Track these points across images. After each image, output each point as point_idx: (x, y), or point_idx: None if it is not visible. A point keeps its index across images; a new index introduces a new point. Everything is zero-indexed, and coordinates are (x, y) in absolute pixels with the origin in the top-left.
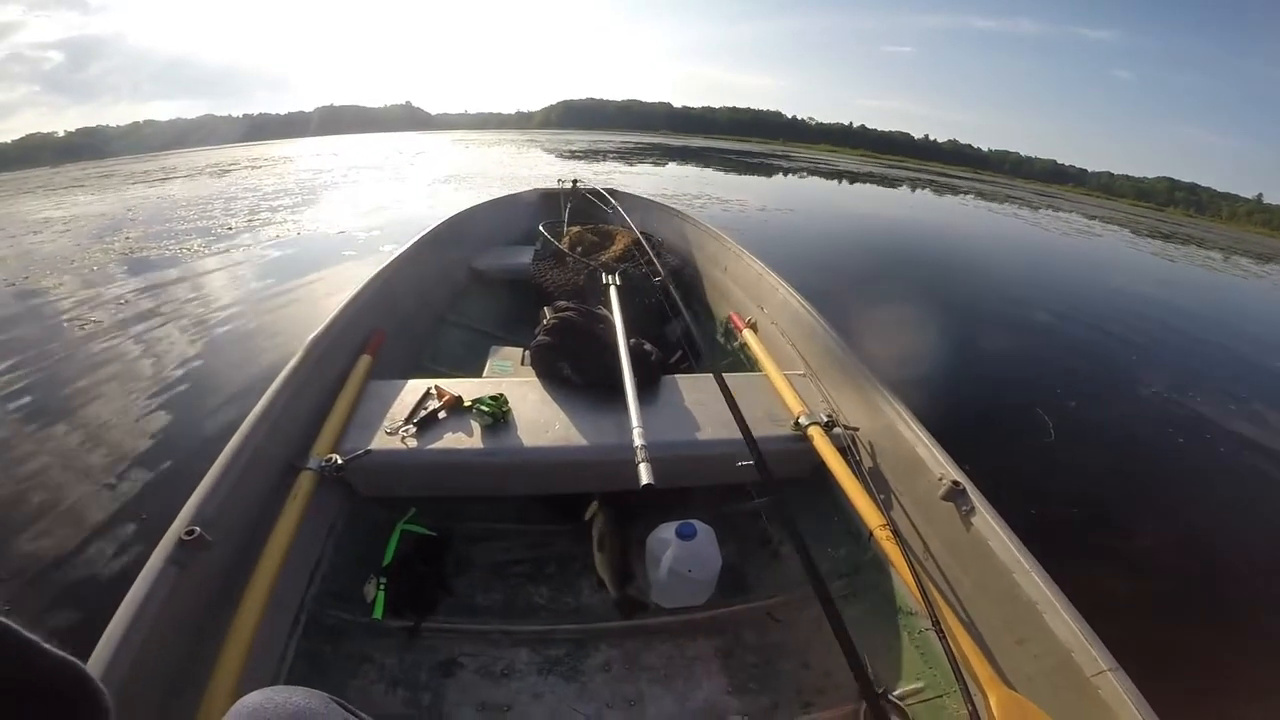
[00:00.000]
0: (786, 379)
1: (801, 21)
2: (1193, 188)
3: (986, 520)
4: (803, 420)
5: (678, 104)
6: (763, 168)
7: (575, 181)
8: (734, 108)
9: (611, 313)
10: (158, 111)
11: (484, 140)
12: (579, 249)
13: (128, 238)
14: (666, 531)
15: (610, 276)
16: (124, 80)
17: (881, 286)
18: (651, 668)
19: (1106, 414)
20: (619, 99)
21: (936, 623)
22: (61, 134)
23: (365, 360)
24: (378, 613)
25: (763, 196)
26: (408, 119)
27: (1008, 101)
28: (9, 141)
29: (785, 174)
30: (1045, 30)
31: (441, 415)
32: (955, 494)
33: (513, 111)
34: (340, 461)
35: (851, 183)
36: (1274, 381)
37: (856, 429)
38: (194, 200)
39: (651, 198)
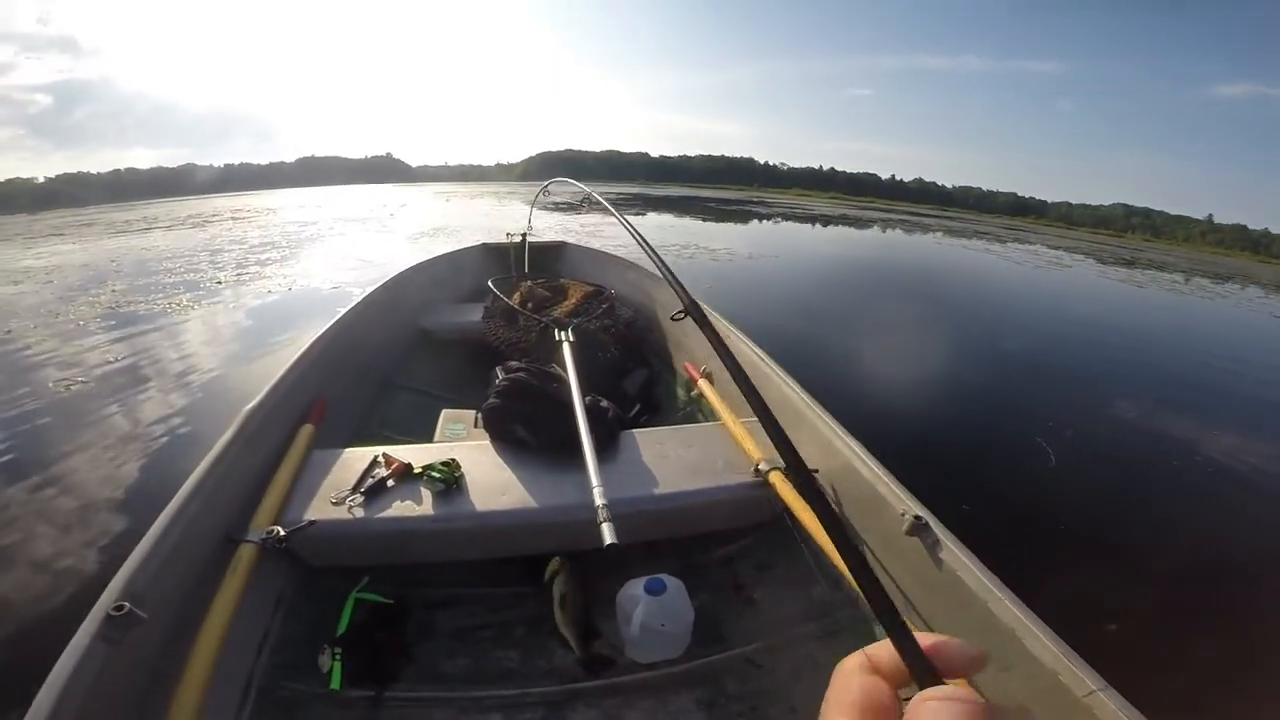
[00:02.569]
0: (744, 426)
1: (765, 67)
2: (1146, 212)
3: (953, 552)
4: (762, 466)
5: (655, 153)
6: (741, 214)
7: (524, 234)
8: (709, 155)
9: (566, 370)
10: (140, 159)
11: (466, 192)
12: (530, 304)
13: (113, 290)
14: (635, 588)
15: (563, 333)
16: (109, 126)
17: (873, 327)
18: None
19: (1101, 438)
20: (597, 149)
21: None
22: (41, 179)
23: (307, 430)
24: (334, 683)
25: (748, 244)
26: (388, 170)
27: (965, 137)
28: None
29: (764, 220)
30: (991, 66)
31: (390, 483)
32: (919, 528)
33: (493, 163)
34: (283, 533)
35: (826, 226)
36: (1248, 394)
37: (816, 470)
38: (179, 252)
39: (602, 249)
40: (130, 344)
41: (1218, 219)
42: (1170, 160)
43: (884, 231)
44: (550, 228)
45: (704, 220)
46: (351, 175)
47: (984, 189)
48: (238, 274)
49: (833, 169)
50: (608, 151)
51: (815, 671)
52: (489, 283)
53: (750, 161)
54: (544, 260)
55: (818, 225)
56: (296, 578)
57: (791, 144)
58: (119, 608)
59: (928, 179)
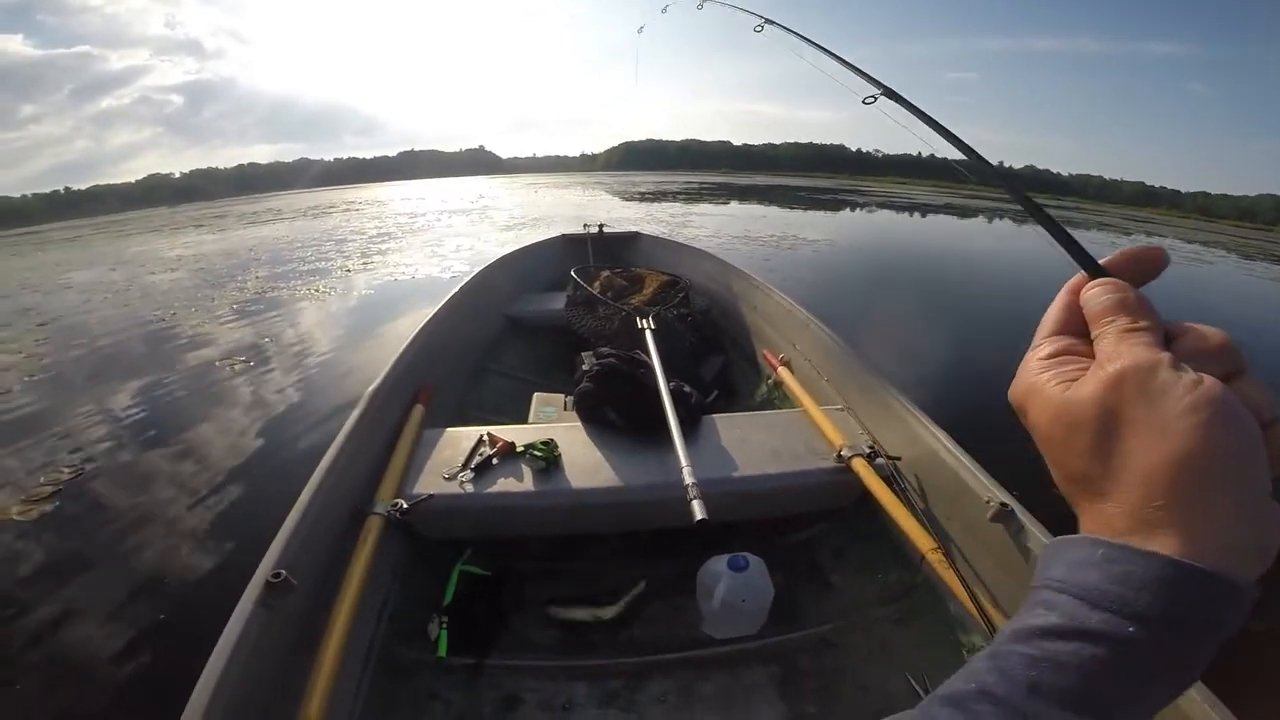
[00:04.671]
0: (825, 413)
1: (859, 53)
2: None
3: (1038, 538)
4: (845, 452)
5: (737, 142)
6: (834, 203)
7: (601, 226)
8: (796, 143)
9: (650, 356)
10: (260, 154)
11: (554, 183)
12: (609, 293)
13: (257, 277)
14: (719, 564)
15: (644, 320)
16: (232, 124)
17: (982, 323)
18: (707, 698)
19: None
20: (679, 139)
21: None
22: (178, 175)
23: (419, 410)
24: (441, 651)
25: (847, 235)
26: (481, 162)
27: (1083, 124)
28: (133, 181)
29: (859, 209)
30: (1108, 48)
31: (495, 461)
32: (1004, 515)
33: (577, 154)
34: (405, 506)
35: (926, 215)
36: None
37: (899, 458)
38: (307, 241)
39: (676, 239)
40: (276, 327)
41: None
42: None
43: (990, 222)
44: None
45: (796, 210)
46: (448, 168)
47: (1105, 177)
48: (363, 262)
49: (932, 155)
50: (688, 140)
51: (888, 653)
52: (571, 272)
53: (841, 148)
54: (619, 250)
55: (917, 215)
56: (411, 550)
57: (887, 130)
58: (276, 575)
59: (1040, 166)
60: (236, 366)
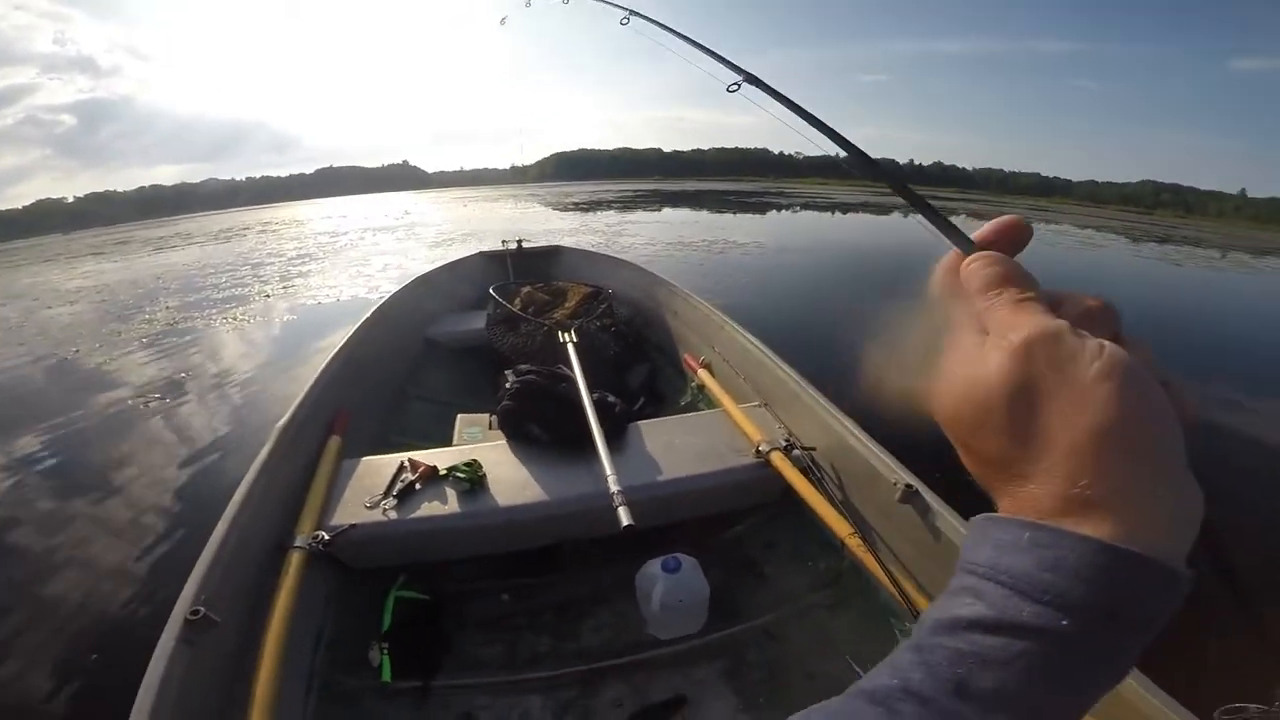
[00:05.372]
0: (743, 411)
1: (777, 57)
2: (1175, 189)
3: (944, 516)
4: (763, 447)
5: (667, 148)
6: (761, 206)
7: (520, 241)
8: (721, 148)
9: (572, 369)
10: (164, 175)
11: (484, 196)
12: (531, 309)
13: (167, 307)
14: (653, 567)
15: (566, 334)
16: (132, 144)
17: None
18: (661, 697)
19: None
20: (610, 148)
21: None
22: (71, 199)
23: (335, 441)
24: (385, 676)
25: (774, 237)
26: (405, 178)
27: (985, 121)
28: (19, 208)
29: (784, 210)
30: (1003, 47)
31: (418, 486)
32: (910, 495)
33: (506, 167)
34: (326, 538)
35: (847, 213)
36: None
37: (814, 448)
38: (221, 267)
39: (596, 250)
40: (192, 360)
41: (1251, 194)
42: (1196, 136)
43: (905, 217)
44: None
45: (726, 214)
46: (369, 184)
47: (1006, 170)
48: (284, 286)
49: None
50: (620, 149)
51: (827, 639)
52: (490, 290)
53: (765, 152)
54: (541, 265)
55: (838, 214)
56: (342, 579)
57: (807, 133)
58: (195, 612)
59: (947, 163)
60: (151, 404)
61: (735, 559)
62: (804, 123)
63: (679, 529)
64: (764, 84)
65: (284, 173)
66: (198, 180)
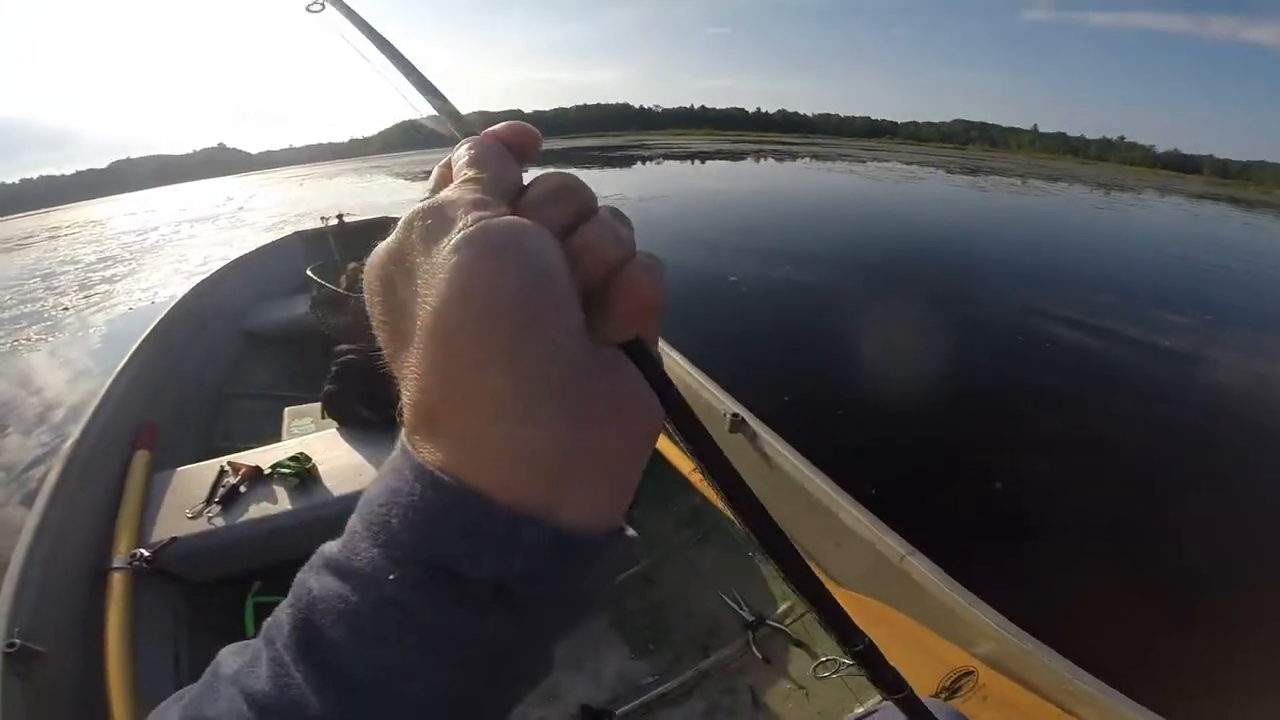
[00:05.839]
0: None
1: (631, 11)
2: (983, 126)
3: (771, 444)
4: None
5: (528, 109)
6: (624, 160)
7: (340, 216)
8: (582, 105)
9: None
10: None
11: (323, 173)
12: (356, 286)
13: None
14: None
15: None
16: None
17: (756, 252)
18: (559, 660)
19: (954, 325)
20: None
21: (765, 551)
22: None
23: (142, 456)
24: None
25: (635, 187)
26: (224, 162)
27: (819, 68)
28: None
29: (646, 162)
30: None
31: (243, 489)
32: (739, 424)
33: (346, 139)
34: (148, 555)
35: (704, 162)
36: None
37: None
38: (3, 283)
39: None
40: None
41: (1042, 129)
42: (997, 77)
43: (758, 163)
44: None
45: (592, 169)
46: (181, 172)
47: (841, 115)
48: (84, 296)
49: (704, 107)
50: (477, 113)
51: (699, 576)
52: (308, 271)
53: (626, 107)
54: (367, 239)
55: (697, 162)
56: (186, 597)
57: (664, 87)
58: (11, 645)
59: (790, 109)
60: None
61: None
62: (386, 60)
63: None
64: (347, 6)
65: (69, 170)
66: None
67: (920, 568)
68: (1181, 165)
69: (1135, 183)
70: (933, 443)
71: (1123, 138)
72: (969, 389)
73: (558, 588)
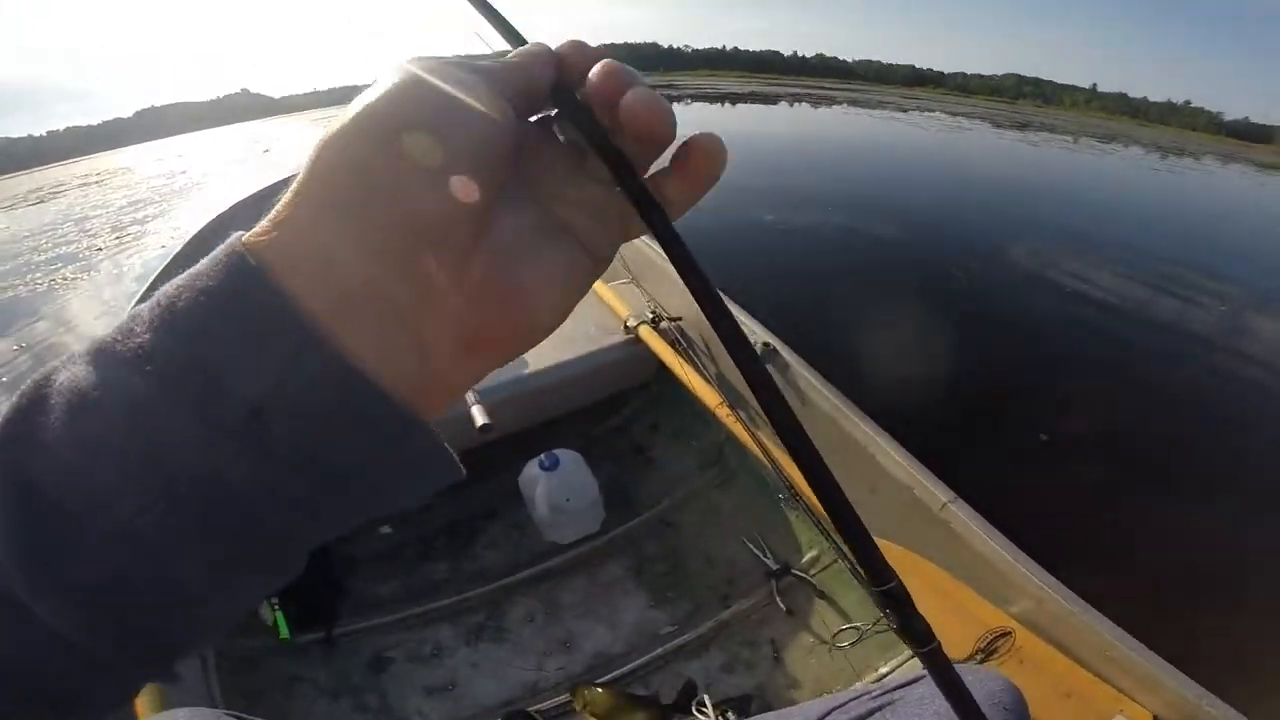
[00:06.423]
0: (612, 289)
1: None
2: (1036, 82)
3: (805, 376)
4: (631, 322)
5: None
6: None
7: None
8: (611, 44)
9: None
10: None
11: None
12: None
13: None
14: (531, 469)
15: None
16: None
17: (795, 194)
18: (572, 606)
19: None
20: (491, 50)
21: (793, 490)
22: None
23: None
24: (284, 633)
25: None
26: (248, 107)
27: (863, 11)
28: None
29: (676, 102)
30: None
31: None
32: (769, 355)
33: (370, 81)
34: None
35: (736, 105)
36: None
37: (679, 319)
38: (37, 229)
39: None
40: (35, 331)
41: (1101, 89)
42: (1056, 32)
43: (792, 106)
44: None
45: None
46: (204, 120)
47: (883, 62)
48: (116, 238)
49: (736, 49)
50: (504, 52)
51: (720, 520)
52: None
53: (654, 46)
54: None
55: (727, 105)
56: None
57: (694, 27)
58: None
59: (828, 54)
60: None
61: (624, 447)
62: None
63: (559, 425)
64: None
65: (96, 120)
66: None
67: (962, 516)
68: (1250, 134)
69: (1196, 148)
70: (975, 395)
71: (1188, 102)
72: (1016, 340)
73: (325, 444)
